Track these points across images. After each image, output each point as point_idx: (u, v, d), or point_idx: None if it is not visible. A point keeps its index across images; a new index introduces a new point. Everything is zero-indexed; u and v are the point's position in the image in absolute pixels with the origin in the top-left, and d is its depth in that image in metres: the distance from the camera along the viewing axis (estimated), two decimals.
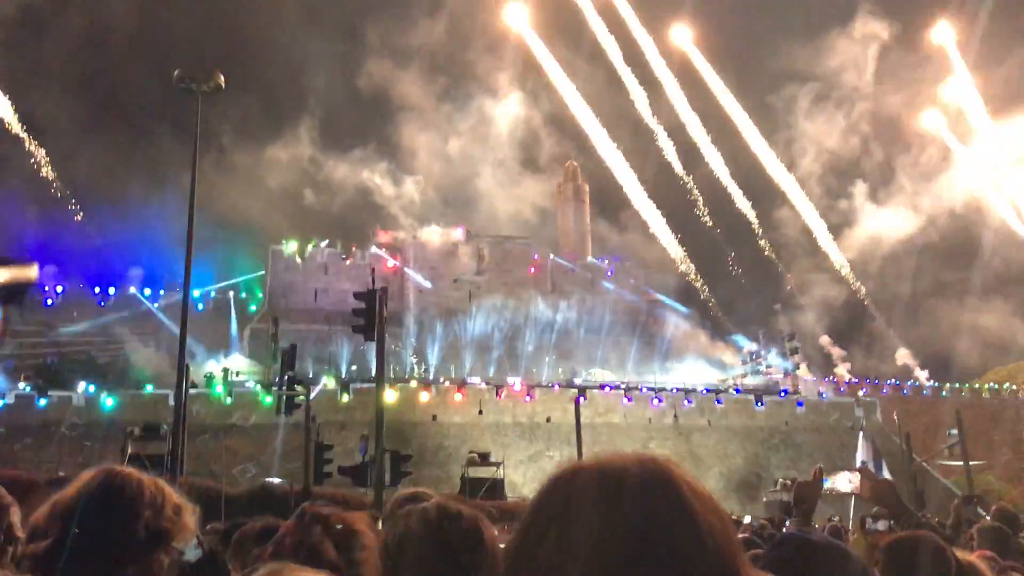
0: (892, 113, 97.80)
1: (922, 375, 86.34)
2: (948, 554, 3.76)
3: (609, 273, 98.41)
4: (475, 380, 71.16)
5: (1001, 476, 64.17)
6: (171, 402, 38.57)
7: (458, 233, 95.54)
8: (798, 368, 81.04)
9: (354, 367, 69.65)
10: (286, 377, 25.65)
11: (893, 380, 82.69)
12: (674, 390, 71.07)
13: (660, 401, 67.98)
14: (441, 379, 70.43)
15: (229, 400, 55.67)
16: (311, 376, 56.09)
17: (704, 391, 72.45)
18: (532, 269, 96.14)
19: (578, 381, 73.30)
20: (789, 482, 41.44)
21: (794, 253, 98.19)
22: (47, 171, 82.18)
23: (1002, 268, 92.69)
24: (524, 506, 1.44)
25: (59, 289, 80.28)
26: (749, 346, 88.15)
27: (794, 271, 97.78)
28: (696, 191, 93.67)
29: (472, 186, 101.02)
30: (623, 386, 71.18)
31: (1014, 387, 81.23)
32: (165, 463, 23.16)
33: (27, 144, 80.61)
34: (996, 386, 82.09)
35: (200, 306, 77.26)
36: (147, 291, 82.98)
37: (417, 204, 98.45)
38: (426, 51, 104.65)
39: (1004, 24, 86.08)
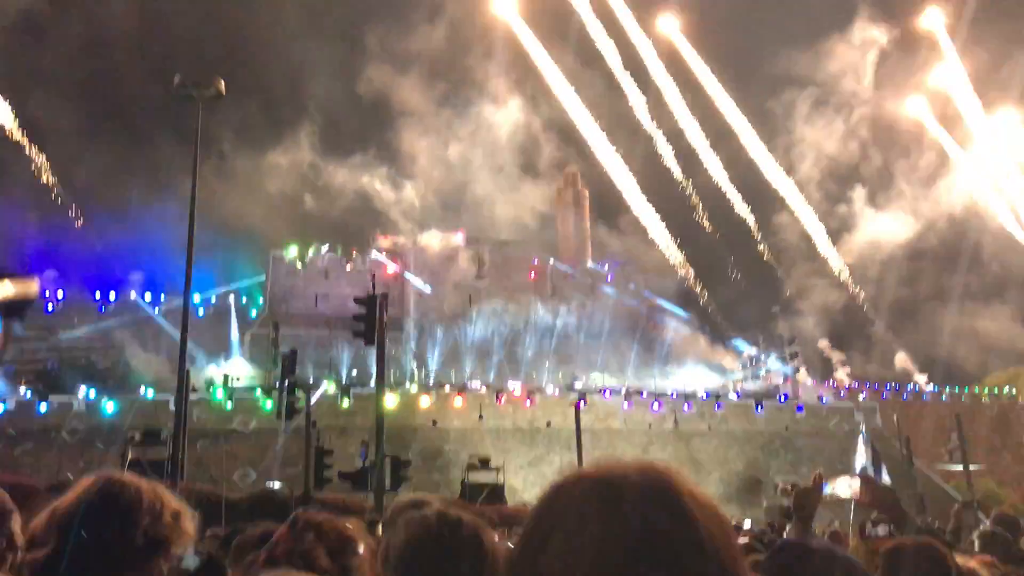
0: (891, 118, 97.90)
1: (921, 379, 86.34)
2: (948, 560, 3.77)
3: (609, 278, 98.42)
4: (475, 385, 71.16)
5: (1002, 481, 64.13)
6: (172, 407, 38.56)
7: (458, 238, 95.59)
8: (798, 373, 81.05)
9: (354, 372, 69.63)
10: (286, 382, 25.65)
11: (893, 385, 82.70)
12: (674, 395, 71.04)
13: (660, 406, 67.93)
14: (442, 383, 70.43)
15: (230, 405, 55.64)
16: (311, 381, 56.05)
17: (704, 396, 72.43)
18: (532, 274, 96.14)
19: (578, 386, 73.28)
20: (789, 487, 41.41)
21: (793, 258, 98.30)
22: (47, 177, 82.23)
23: (1001, 272, 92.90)
24: (524, 511, 1.45)
25: (60, 294, 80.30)
26: (749, 351, 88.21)
27: (793, 276, 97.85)
28: (695, 196, 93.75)
29: (472, 191, 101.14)
30: (623, 391, 71.15)
31: (1014, 391, 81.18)
32: (166, 468, 23.15)
33: (27, 150, 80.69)
34: (996, 390, 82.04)
35: (201, 311, 77.18)
36: (148, 296, 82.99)
37: (417, 209, 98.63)
38: (426, 57, 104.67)
39: (993, 10, 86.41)
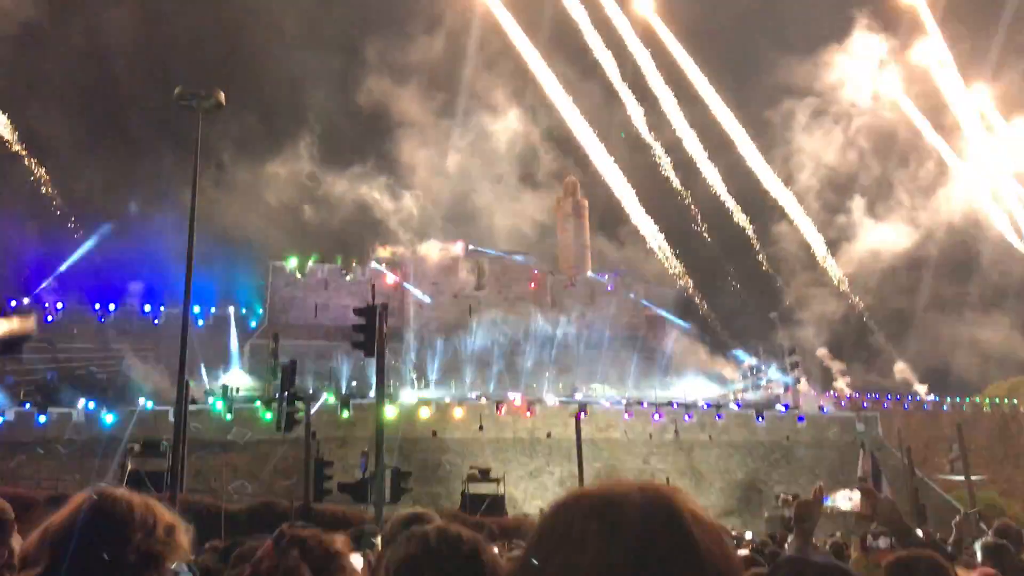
0: (890, 128, 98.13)
1: (921, 389, 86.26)
2: (950, 573, 3.75)
3: (609, 288, 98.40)
4: (475, 396, 71.08)
5: (1003, 491, 63.98)
6: (171, 418, 38.52)
7: (457, 248, 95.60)
8: (798, 383, 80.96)
9: (354, 383, 69.56)
10: (286, 393, 25.62)
11: (894, 395, 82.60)
12: (674, 405, 70.97)
13: (661, 416, 67.83)
14: (442, 395, 70.41)
15: (229, 416, 55.57)
16: (311, 392, 55.98)
17: (705, 406, 72.36)
18: (532, 284, 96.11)
19: (578, 396, 73.20)
20: (790, 498, 41.31)
21: (793, 268, 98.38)
22: (47, 188, 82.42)
23: (1001, 282, 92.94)
24: (525, 522, 1.44)
25: (59, 306, 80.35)
26: (749, 361, 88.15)
27: (793, 286, 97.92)
28: (694, 206, 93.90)
29: (471, 201, 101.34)
30: (624, 401, 71.07)
31: (1015, 401, 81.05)
32: (165, 479, 23.12)
33: (26, 161, 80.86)
34: (998, 400, 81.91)
35: (200, 322, 77.25)
36: (147, 307, 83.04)
37: (416, 219, 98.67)
38: (425, 67, 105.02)
39: None
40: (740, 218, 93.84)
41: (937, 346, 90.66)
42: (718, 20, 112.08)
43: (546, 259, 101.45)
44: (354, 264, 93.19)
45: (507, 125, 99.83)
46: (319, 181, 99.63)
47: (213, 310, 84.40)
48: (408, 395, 68.96)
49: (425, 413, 62.49)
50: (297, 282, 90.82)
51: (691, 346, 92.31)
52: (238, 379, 71.12)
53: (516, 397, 68.74)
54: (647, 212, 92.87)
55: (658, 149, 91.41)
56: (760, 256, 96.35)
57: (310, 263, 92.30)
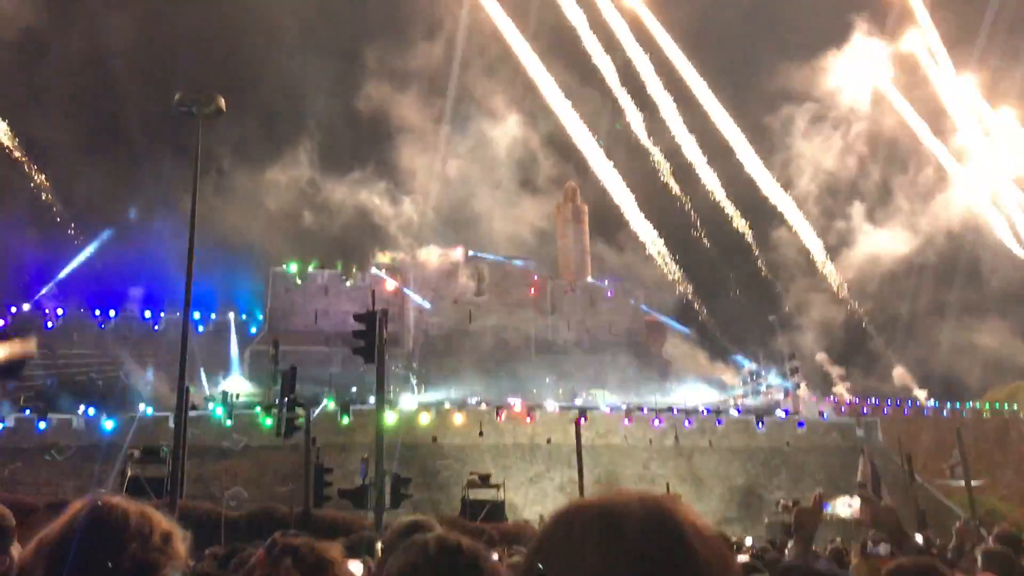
0: (889, 133, 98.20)
1: (921, 394, 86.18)
2: None
3: (609, 294, 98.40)
4: (475, 401, 70.98)
5: (1004, 497, 63.89)
6: (171, 424, 38.46)
7: (457, 253, 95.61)
8: (798, 388, 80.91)
9: (354, 388, 69.49)
10: (286, 399, 25.57)
11: (894, 400, 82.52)
12: (674, 411, 70.88)
13: (661, 422, 67.76)
14: (442, 400, 70.29)
15: (229, 423, 55.52)
16: (311, 398, 55.95)
17: (705, 411, 72.29)
18: (532, 290, 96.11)
19: (578, 402, 73.13)
20: (790, 503, 41.24)
21: (792, 273, 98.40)
22: (47, 195, 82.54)
23: (1000, 287, 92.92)
24: (525, 528, 1.45)
25: (59, 312, 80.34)
26: (749, 366, 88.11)
27: (792, 291, 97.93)
28: (694, 212, 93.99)
29: (471, 207, 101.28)
30: (624, 407, 70.99)
31: (1015, 407, 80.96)
32: (165, 486, 23.06)
33: (27, 168, 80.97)
34: (997, 405, 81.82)
35: (200, 328, 77.25)
36: (147, 313, 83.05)
37: (416, 225, 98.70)
38: (424, 73, 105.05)
39: None
40: (739, 223, 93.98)
41: (937, 351, 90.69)
42: (717, 25, 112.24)
43: (546, 264, 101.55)
44: (354, 270, 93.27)
45: (507, 131, 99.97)
46: (319, 187, 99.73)
47: (213, 316, 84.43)
48: (408, 401, 68.87)
49: (425, 419, 62.39)
50: (297, 288, 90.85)
51: (691, 351, 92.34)
52: (238, 385, 71.10)
53: (516, 403, 68.65)
54: (646, 217, 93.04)
55: (657, 155, 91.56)
56: (759, 261, 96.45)
57: (310, 269, 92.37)
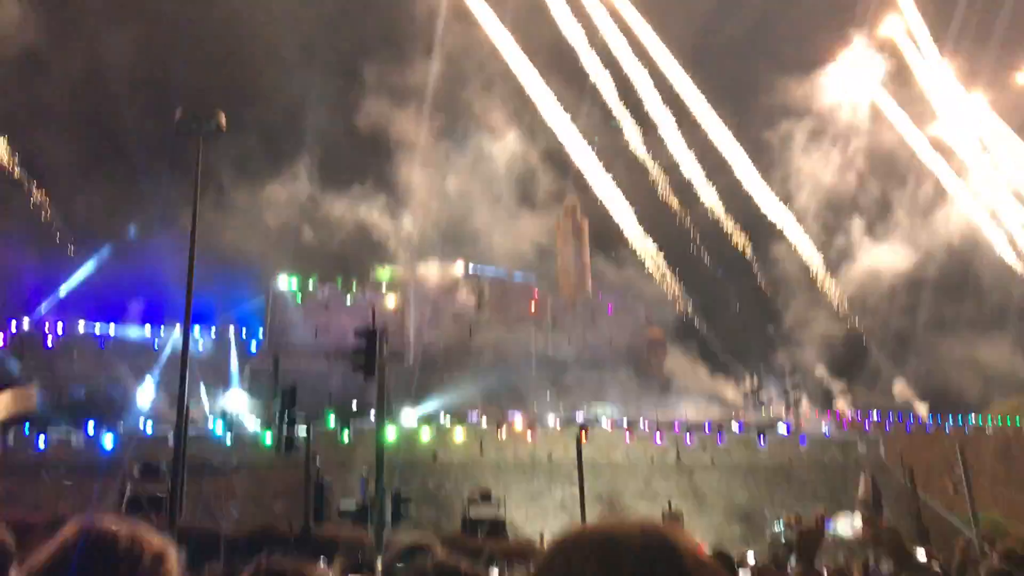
0: (888, 149, 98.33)
1: (922, 409, 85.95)
2: None
3: (609, 310, 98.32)
4: (475, 417, 70.81)
5: (1007, 512, 63.57)
6: (170, 442, 38.37)
7: (457, 269, 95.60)
8: (799, 404, 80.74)
9: (354, 404, 69.31)
10: (285, 417, 25.52)
11: (895, 415, 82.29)
12: (676, 426, 70.69)
13: (662, 439, 67.57)
14: (441, 417, 70.10)
15: (229, 440, 55.39)
16: (311, 414, 55.77)
17: (706, 426, 72.09)
18: (532, 305, 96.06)
19: (579, 418, 72.92)
20: (793, 519, 41.12)
21: (792, 289, 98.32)
22: (46, 213, 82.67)
23: (1001, 302, 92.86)
24: (525, 546, 1.43)
25: (59, 328, 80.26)
26: (750, 382, 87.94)
27: (792, 306, 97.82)
28: (693, 227, 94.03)
29: (470, 223, 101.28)
30: (625, 423, 70.80)
31: (1018, 422, 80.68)
32: (164, 503, 22.99)
33: (27, 186, 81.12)
34: (1000, 421, 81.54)
35: (200, 344, 77.15)
36: (147, 329, 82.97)
37: (415, 240, 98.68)
38: (423, 90, 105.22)
39: None
40: (739, 239, 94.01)
41: (938, 366, 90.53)
42: (716, 41, 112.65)
43: (546, 280, 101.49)
44: (354, 285, 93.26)
45: (506, 146, 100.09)
46: (318, 202, 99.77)
47: (213, 332, 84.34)
48: (408, 417, 68.70)
49: (425, 436, 62.25)
50: (297, 304, 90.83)
51: (691, 367, 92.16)
52: (238, 400, 70.96)
53: (517, 419, 68.48)
54: (646, 233, 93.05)
55: (656, 171, 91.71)
56: (759, 277, 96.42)
57: (310, 284, 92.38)
